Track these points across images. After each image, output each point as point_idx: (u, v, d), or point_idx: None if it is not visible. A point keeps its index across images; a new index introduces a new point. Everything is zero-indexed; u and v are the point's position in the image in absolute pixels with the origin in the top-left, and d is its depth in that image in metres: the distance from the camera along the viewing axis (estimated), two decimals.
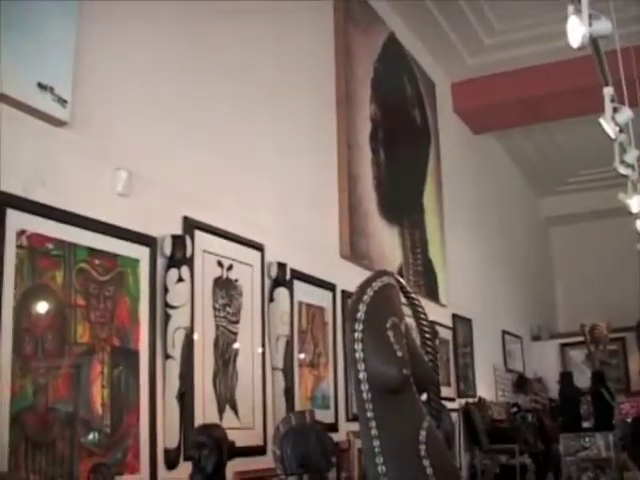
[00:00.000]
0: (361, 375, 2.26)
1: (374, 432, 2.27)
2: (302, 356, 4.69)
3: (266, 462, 4.05)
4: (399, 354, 2.25)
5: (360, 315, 2.32)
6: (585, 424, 6.91)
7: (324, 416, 4.61)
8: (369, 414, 2.28)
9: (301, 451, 2.82)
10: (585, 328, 8.32)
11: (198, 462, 2.83)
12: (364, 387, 2.27)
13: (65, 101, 3.08)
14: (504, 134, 9.77)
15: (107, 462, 3.11)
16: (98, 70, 3.35)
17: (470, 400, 7.65)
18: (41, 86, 2.99)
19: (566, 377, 8.32)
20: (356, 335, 2.30)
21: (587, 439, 5.52)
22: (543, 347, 10.67)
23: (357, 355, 2.28)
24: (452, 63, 8.04)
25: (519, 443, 7.43)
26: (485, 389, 8.28)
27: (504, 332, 9.42)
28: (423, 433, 2.30)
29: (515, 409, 8.44)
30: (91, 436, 3.09)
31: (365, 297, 2.37)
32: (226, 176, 4.16)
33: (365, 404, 2.28)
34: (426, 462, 2.25)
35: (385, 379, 2.26)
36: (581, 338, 9.37)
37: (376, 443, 2.26)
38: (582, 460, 5.20)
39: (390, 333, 2.30)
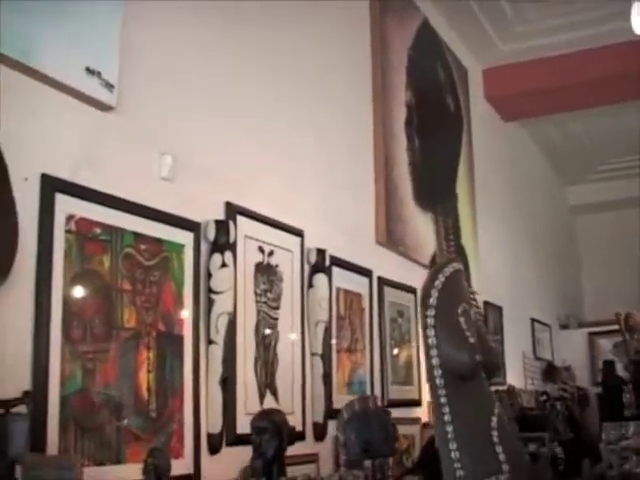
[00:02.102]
0: (434, 361, 2.24)
1: (447, 418, 2.24)
2: (340, 342, 4.66)
3: (305, 447, 4.05)
4: (471, 340, 2.22)
5: (432, 301, 2.29)
6: (627, 412, 6.83)
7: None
8: (442, 400, 2.26)
9: (364, 437, 2.80)
10: (620, 317, 8.23)
11: (259, 447, 2.81)
12: (437, 373, 2.25)
13: (112, 86, 3.06)
14: (533, 122, 9.67)
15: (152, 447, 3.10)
16: (144, 55, 3.33)
17: (500, 388, 7.60)
18: (89, 71, 2.97)
19: (609, 366, 8.24)
20: (429, 321, 2.27)
21: (629, 428, 5.46)
22: (571, 335, 10.57)
23: (430, 341, 2.25)
24: (484, 49, 7.95)
25: (549, 431, 7.38)
26: (514, 377, 8.22)
27: (533, 320, 9.35)
28: (494, 419, 2.28)
29: (544, 397, 8.38)
30: (137, 420, 3.08)
31: (437, 283, 2.34)
32: (267, 163, 4.13)
33: (438, 390, 2.26)
34: (499, 448, 2.23)
35: (458, 365, 2.23)
36: (609, 327, 9.26)
37: (449, 429, 2.24)
38: (623, 449, 5.15)
39: (462, 319, 2.28)
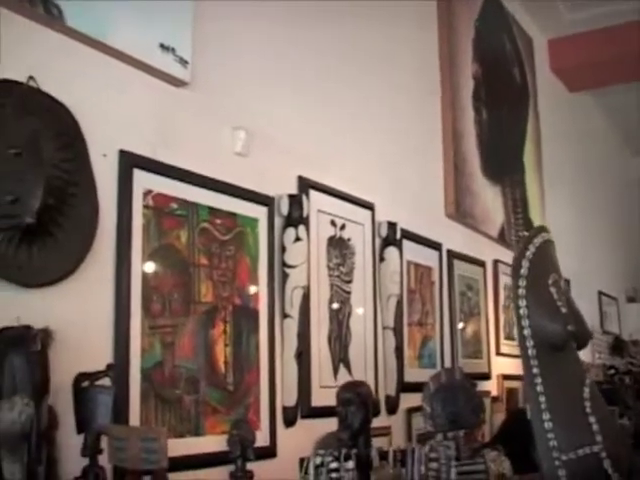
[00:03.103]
0: (525, 331, 2.20)
1: (539, 388, 2.21)
2: (411, 315, 4.63)
3: (378, 420, 4.02)
4: (563, 310, 2.18)
5: (523, 271, 2.24)
6: None
7: (430, 375, 4.56)
8: (534, 370, 2.22)
9: (451, 408, 2.77)
10: None
11: (345, 419, 2.80)
12: (529, 343, 2.20)
13: (186, 62, 3.05)
14: (600, 92, 9.44)
15: (229, 419, 3.11)
16: (216, 31, 3.31)
17: None
18: (163, 47, 2.97)
19: None
20: (520, 291, 2.23)
21: None
22: (639, 309, 10.37)
23: (521, 311, 2.21)
24: (549, 19, 7.77)
25: (619, 405, 7.26)
26: (582, 351, 8.09)
27: (600, 293, 9.19)
28: (587, 390, 2.23)
29: (612, 371, 8.24)
30: (215, 393, 3.09)
31: (528, 253, 2.29)
32: (338, 136, 4.10)
33: (530, 360, 2.22)
34: (592, 419, 2.19)
35: (550, 335, 2.19)
36: None
37: (542, 399, 2.20)
38: None
39: (553, 289, 2.23)
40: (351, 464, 2.57)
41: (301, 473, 2.65)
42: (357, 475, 2.59)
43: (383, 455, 2.73)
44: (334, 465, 2.57)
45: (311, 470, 2.58)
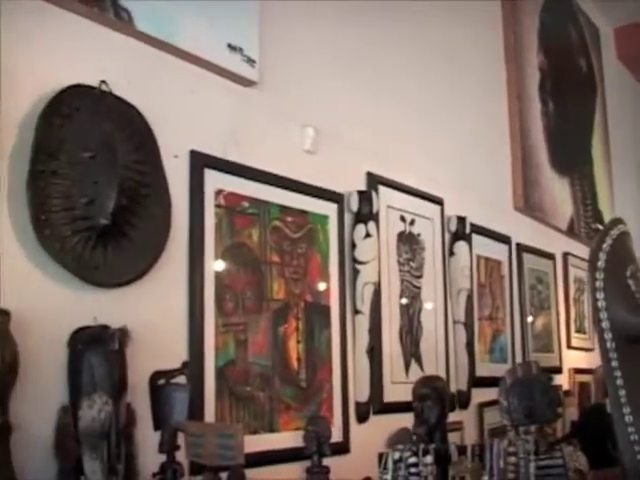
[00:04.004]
0: (604, 324, 2.13)
1: (619, 382, 2.13)
2: (481, 310, 4.57)
3: (449, 416, 3.98)
4: None
5: (600, 264, 2.17)
6: None
7: (501, 370, 4.48)
8: (613, 364, 2.14)
9: (527, 402, 2.72)
10: None
11: (421, 414, 2.77)
12: (607, 336, 2.13)
13: (254, 61, 3.05)
14: None
15: (303, 416, 3.09)
16: (283, 29, 3.30)
17: None
18: (231, 47, 2.96)
19: None
20: (597, 284, 2.16)
21: None
22: None
23: (599, 304, 2.14)
24: (615, 7, 7.58)
25: None
26: None
27: None
28: None
29: None
30: (288, 390, 3.09)
31: (605, 245, 2.22)
32: (405, 132, 4.06)
33: (609, 353, 2.15)
34: None
35: (629, 328, 2.11)
36: None
37: (622, 393, 2.13)
38: None
39: (631, 281, 2.16)
40: (429, 459, 2.54)
41: (379, 468, 2.63)
42: (436, 470, 2.55)
43: (461, 450, 2.69)
44: (413, 460, 2.54)
45: (390, 465, 2.55)
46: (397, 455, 2.56)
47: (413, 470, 2.54)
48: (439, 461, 2.57)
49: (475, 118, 4.87)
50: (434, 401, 2.78)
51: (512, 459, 2.53)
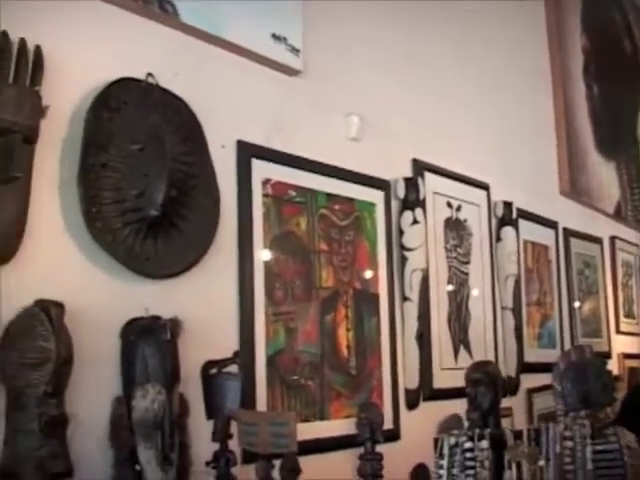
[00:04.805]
0: None
1: None
2: (529, 295, 4.50)
3: None
4: None
5: None
6: None
7: (550, 356, 4.43)
8: None
9: (581, 387, 2.67)
10: None
11: (474, 399, 2.72)
12: None
13: (298, 50, 3.02)
14: None
15: (353, 403, 3.07)
16: (326, 19, 3.26)
17: None
18: (275, 37, 2.94)
19: None
20: None
21: None
22: None
23: None
24: None
25: None
26: None
27: None
28: None
29: None
30: (338, 377, 3.06)
31: None
32: (450, 118, 4.01)
33: None
34: None
35: None
36: None
37: None
38: None
39: None
40: (485, 444, 2.50)
41: (435, 454, 2.59)
42: (491, 455, 2.51)
43: (517, 434, 2.65)
44: (468, 445, 2.50)
45: (446, 450, 2.51)
46: (453, 440, 2.52)
47: (469, 455, 2.50)
48: (495, 446, 2.53)
49: (520, 102, 4.79)
50: (487, 386, 2.74)
51: (569, 443, 2.49)
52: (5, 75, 2.10)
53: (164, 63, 2.57)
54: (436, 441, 2.65)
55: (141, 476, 2.21)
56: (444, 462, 2.50)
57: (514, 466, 2.48)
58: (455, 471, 2.46)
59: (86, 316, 2.21)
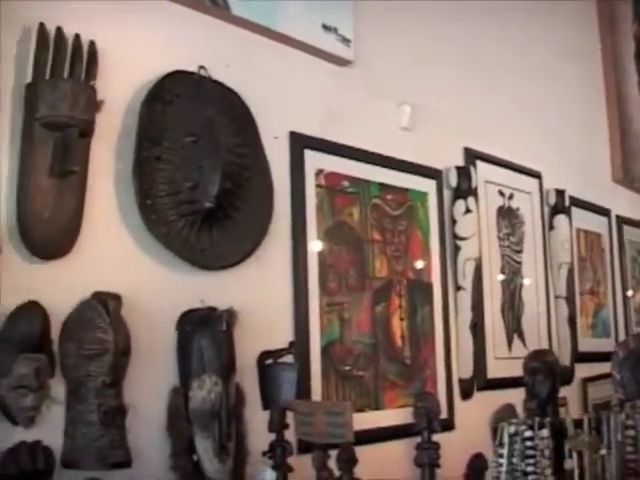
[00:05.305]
0: None
1: None
2: (582, 284, 4.41)
3: None
4: None
5: None
6: None
7: (605, 344, 4.36)
8: None
9: None
10: None
11: (532, 388, 2.68)
12: None
13: (348, 40, 2.98)
14: None
15: (408, 393, 3.04)
16: (375, 8, 3.21)
17: None
18: (325, 27, 2.91)
19: None
20: None
21: None
22: None
23: None
24: None
25: None
26: None
27: None
28: None
29: None
30: (392, 367, 3.03)
31: None
32: (501, 106, 3.94)
33: None
34: None
35: None
36: None
37: None
38: None
39: None
40: (546, 432, 2.44)
41: (495, 442, 2.54)
42: (552, 443, 2.46)
43: (577, 423, 2.59)
44: (528, 434, 2.45)
45: (505, 439, 2.46)
46: (513, 429, 2.47)
47: (529, 444, 2.44)
48: (555, 435, 2.47)
49: (571, 90, 4.70)
50: (545, 375, 2.69)
51: (630, 432, 2.43)
52: (61, 70, 2.10)
53: (216, 55, 2.55)
54: (494, 430, 2.60)
55: (198, 466, 2.20)
56: (504, 451, 2.45)
57: (575, 455, 2.43)
58: (515, 460, 2.42)
59: (142, 308, 2.21)
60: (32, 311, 1.95)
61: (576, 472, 2.42)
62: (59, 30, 2.11)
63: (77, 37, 2.14)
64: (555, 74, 4.52)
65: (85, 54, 2.15)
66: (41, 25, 2.08)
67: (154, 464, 2.18)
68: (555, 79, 4.51)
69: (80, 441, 2.02)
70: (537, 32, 4.41)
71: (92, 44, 2.17)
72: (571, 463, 2.42)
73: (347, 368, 2.83)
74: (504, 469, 2.42)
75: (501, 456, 2.45)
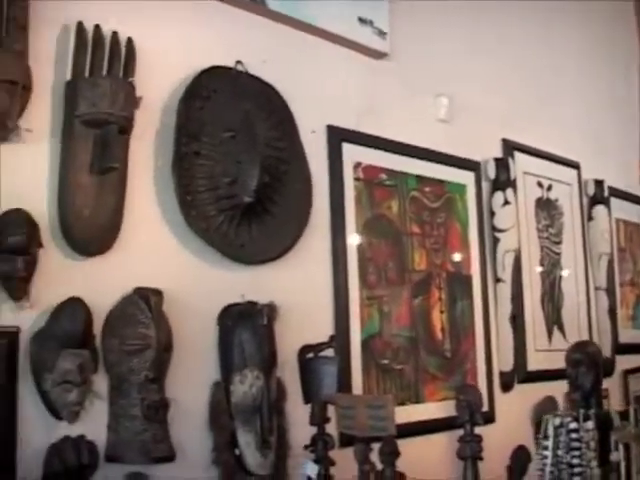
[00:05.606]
0: None
1: None
2: (622, 275, 4.34)
3: None
4: None
5: None
6: None
7: None
8: None
9: None
10: None
11: (575, 380, 2.63)
12: None
13: (384, 33, 2.96)
14: None
15: (448, 386, 3.00)
16: (410, 1, 3.16)
17: None
18: (361, 20, 2.88)
19: None
20: None
21: None
22: None
23: None
24: None
25: None
26: None
27: None
28: None
29: None
30: (433, 360, 3.00)
31: None
32: (538, 97, 3.88)
33: None
34: None
35: None
36: None
37: None
38: None
39: None
40: (591, 424, 2.40)
41: (539, 434, 2.51)
42: (597, 435, 2.42)
43: (622, 415, 2.54)
44: (574, 426, 2.41)
45: (550, 431, 2.42)
46: (558, 421, 2.43)
47: (574, 436, 2.41)
48: (600, 426, 2.43)
49: (608, 81, 4.61)
50: (588, 367, 2.64)
51: None
52: (100, 68, 2.10)
53: (252, 51, 2.54)
54: (536, 423, 2.57)
55: (240, 460, 2.20)
56: (549, 443, 2.41)
57: (621, 447, 2.38)
58: (560, 452, 2.38)
59: (183, 303, 2.20)
60: (75, 307, 1.95)
61: (622, 464, 2.37)
62: (97, 28, 2.11)
63: (115, 34, 2.14)
64: (594, 65, 4.46)
65: (123, 51, 2.15)
66: (79, 23, 2.08)
67: (196, 458, 2.18)
68: (594, 70, 4.45)
69: (123, 435, 2.02)
70: (578, 24, 4.34)
71: (130, 41, 2.17)
72: (617, 455, 2.38)
73: (387, 361, 2.81)
74: (549, 461, 2.39)
75: (546, 448, 2.42)
